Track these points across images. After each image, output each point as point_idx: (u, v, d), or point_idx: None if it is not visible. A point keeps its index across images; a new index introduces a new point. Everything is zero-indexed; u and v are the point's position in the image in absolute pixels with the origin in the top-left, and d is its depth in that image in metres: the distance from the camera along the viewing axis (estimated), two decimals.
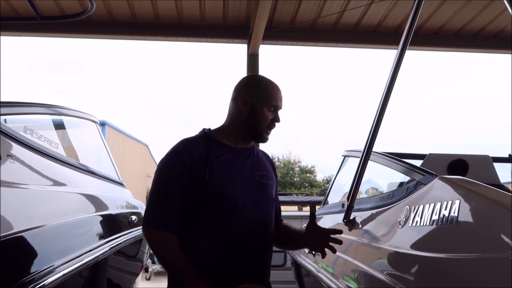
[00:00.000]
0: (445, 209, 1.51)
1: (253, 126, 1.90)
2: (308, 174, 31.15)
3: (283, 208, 2.27)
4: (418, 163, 2.95)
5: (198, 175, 1.80)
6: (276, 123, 1.93)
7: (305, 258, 3.35)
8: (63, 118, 2.87)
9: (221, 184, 1.82)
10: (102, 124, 14.17)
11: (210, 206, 1.81)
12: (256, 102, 1.89)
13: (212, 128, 1.99)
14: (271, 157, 2.15)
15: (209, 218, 1.82)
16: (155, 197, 1.84)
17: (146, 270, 12.40)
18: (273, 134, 1.98)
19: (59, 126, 2.78)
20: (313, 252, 3.04)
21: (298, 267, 3.80)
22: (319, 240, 1.96)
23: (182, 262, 1.76)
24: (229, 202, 1.82)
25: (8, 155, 1.76)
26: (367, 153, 2.14)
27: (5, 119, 1.93)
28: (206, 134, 1.93)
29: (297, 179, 30.72)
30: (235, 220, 1.82)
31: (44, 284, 1.57)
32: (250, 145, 1.98)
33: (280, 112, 1.95)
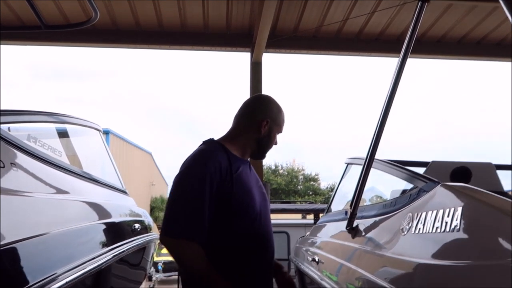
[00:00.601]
0: (448, 216, 1.50)
1: (263, 146, 2.04)
2: (312, 182, 31.12)
3: (287, 216, 2.34)
4: (421, 170, 2.95)
5: (225, 187, 1.82)
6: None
7: (309, 266, 3.33)
8: (67, 126, 2.89)
9: (244, 196, 1.88)
10: (106, 133, 14.22)
11: (235, 217, 1.86)
12: (271, 128, 2.03)
13: (216, 138, 2.02)
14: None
15: (234, 228, 1.86)
16: (181, 207, 1.80)
17: (150, 279, 12.39)
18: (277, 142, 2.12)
19: (62, 134, 2.80)
20: (317, 260, 3.03)
21: (302, 275, 3.78)
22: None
23: (213, 274, 1.76)
24: (251, 213, 1.89)
25: (11, 163, 1.77)
26: (369, 161, 2.15)
27: (8, 127, 1.94)
28: (222, 146, 1.95)
29: (301, 187, 30.69)
30: (256, 229, 1.91)
31: None
32: (248, 157, 2.07)
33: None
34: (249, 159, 2.07)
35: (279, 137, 2.10)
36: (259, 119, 2.00)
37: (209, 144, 1.96)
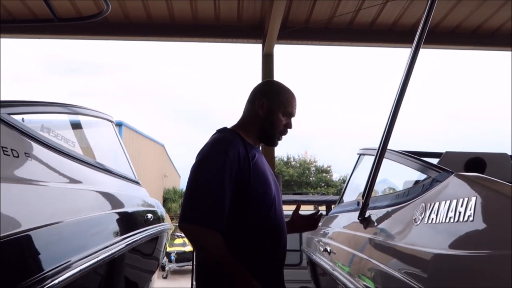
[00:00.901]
0: (461, 206, 1.49)
1: (267, 130, 1.98)
2: (324, 174, 31.07)
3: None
4: (434, 161, 2.92)
5: (243, 175, 1.83)
6: (288, 130, 2.02)
7: (321, 257, 3.34)
8: (80, 117, 2.91)
9: (261, 184, 1.88)
10: (119, 125, 14.31)
11: (252, 206, 1.86)
12: (272, 107, 1.97)
13: (228, 127, 2.03)
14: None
15: (251, 217, 1.87)
16: (202, 195, 1.79)
17: (163, 268, 12.50)
18: (289, 134, 2.08)
19: (75, 125, 2.82)
20: (328, 250, 3.03)
21: (314, 266, 3.79)
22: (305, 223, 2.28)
23: (235, 263, 1.75)
24: (268, 201, 1.89)
25: (25, 153, 1.79)
26: (382, 151, 2.13)
27: (22, 118, 1.96)
28: (238, 134, 1.95)
29: (313, 178, 30.65)
30: (271, 219, 1.91)
31: (60, 279, 1.59)
32: (259, 144, 2.06)
33: (293, 120, 2.03)
34: (260, 147, 2.07)
35: (293, 122, 2.03)
36: (256, 99, 1.99)
37: (225, 132, 1.95)
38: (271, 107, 1.96)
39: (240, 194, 1.82)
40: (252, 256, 1.85)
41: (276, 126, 1.98)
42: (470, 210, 1.43)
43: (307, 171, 30.96)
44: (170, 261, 12.62)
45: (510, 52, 6.98)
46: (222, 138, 1.90)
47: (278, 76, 6.24)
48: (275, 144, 2.04)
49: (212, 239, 1.76)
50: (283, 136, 2.06)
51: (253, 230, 1.87)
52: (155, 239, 3.34)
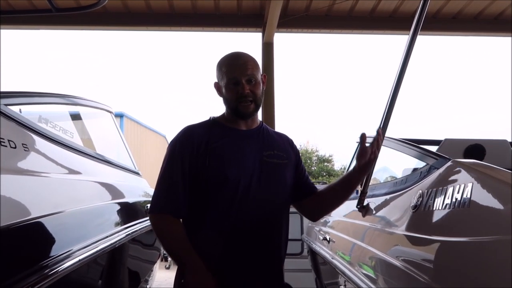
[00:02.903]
0: (458, 193, 1.49)
1: (229, 107, 1.88)
2: (325, 163, 31.05)
3: None
4: (434, 148, 2.92)
5: (199, 160, 1.80)
6: (247, 94, 1.82)
7: (321, 246, 3.35)
8: (78, 108, 2.91)
9: (221, 167, 1.79)
10: (120, 116, 14.29)
11: (212, 190, 1.80)
12: (221, 84, 1.88)
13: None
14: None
15: (213, 202, 1.80)
16: (159, 184, 1.85)
17: (166, 259, 12.56)
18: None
19: (74, 115, 2.82)
20: (328, 239, 3.04)
21: (314, 255, 3.80)
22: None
23: (187, 252, 1.73)
24: (231, 183, 1.78)
25: (23, 144, 1.80)
26: None
27: (20, 109, 1.96)
28: (211, 120, 1.94)
29: (315, 168, 30.64)
30: (239, 203, 1.79)
31: (61, 268, 1.60)
32: (256, 125, 1.96)
33: (247, 80, 1.82)
34: (264, 126, 1.98)
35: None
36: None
37: (197, 122, 1.96)
38: (220, 85, 1.89)
39: (199, 177, 1.80)
40: (210, 243, 1.78)
41: (230, 99, 1.85)
42: (467, 196, 1.43)
43: (308, 161, 30.93)
44: None
45: (511, 38, 6.94)
46: (185, 128, 1.91)
47: (278, 65, 6.22)
48: (246, 115, 1.87)
49: (166, 225, 1.78)
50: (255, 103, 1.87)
51: (213, 215, 1.79)
52: None
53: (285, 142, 2.03)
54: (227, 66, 1.85)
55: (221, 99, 1.92)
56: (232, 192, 1.79)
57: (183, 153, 1.82)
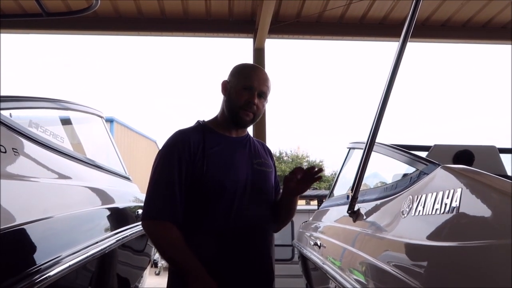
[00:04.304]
0: (447, 198, 1.50)
1: (230, 109, 1.90)
2: None
3: None
4: (424, 154, 2.94)
5: (196, 166, 1.80)
6: (254, 105, 1.87)
7: (312, 251, 3.35)
8: (69, 112, 2.89)
9: (219, 174, 1.81)
10: (110, 121, 14.24)
11: (210, 197, 1.81)
12: (232, 84, 1.91)
13: (207, 120, 2.00)
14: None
15: (210, 210, 1.81)
16: (153, 190, 1.81)
17: (156, 265, 12.49)
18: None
19: (64, 120, 2.80)
20: (319, 244, 3.05)
21: (305, 260, 3.80)
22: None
23: (188, 258, 1.72)
24: (228, 191, 1.81)
25: (13, 149, 1.78)
26: (370, 145, 2.14)
27: (10, 113, 1.94)
28: (201, 125, 1.94)
29: None
30: (236, 210, 1.81)
31: (50, 274, 1.58)
32: (244, 134, 2.00)
33: (260, 96, 1.89)
34: (249, 135, 2.02)
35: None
36: (221, 84, 1.96)
37: (189, 126, 1.95)
38: (231, 85, 1.91)
39: (196, 185, 1.79)
40: (205, 248, 1.77)
41: (235, 101, 1.88)
42: (456, 201, 1.45)
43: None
44: None
45: (502, 45, 7.03)
46: (177, 132, 1.90)
47: (269, 71, 6.24)
48: (243, 123, 1.91)
49: (164, 232, 1.75)
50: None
51: (209, 222, 1.80)
52: (146, 235, 3.33)
53: (265, 151, 2.09)
54: (249, 73, 1.92)
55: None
56: (229, 198, 1.81)
57: (180, 158, 1.80)
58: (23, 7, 5.67)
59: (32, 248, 1.60)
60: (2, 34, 6.22)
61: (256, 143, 2.05)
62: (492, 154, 3.09)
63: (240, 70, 1.95)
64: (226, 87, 1.93)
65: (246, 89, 1.87)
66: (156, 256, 11.63)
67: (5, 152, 1.71)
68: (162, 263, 12.42)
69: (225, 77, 1.99)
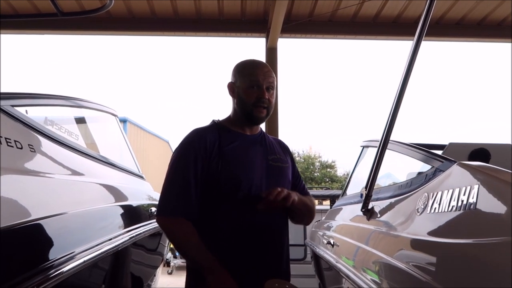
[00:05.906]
0: (464, 195, 1.48)
1: (243, 108, 1.92)
2: (328, 169, 31.00)
3: None
4: (438, 153, 2.91)
5: (211, 163, 1.82)
6: (265, 100, 1.88)
7: (325, 250, 3.34)
8: (84, 110, 2.92)
9: (235, 170, 1.83)
10: (124, 121, 14.33)
11: (225, 193, 1.82)
12: (239, 84, 1.92)
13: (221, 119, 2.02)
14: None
15: (225, 206, 1.83)
16: (169, 186, 1.84)
17: (168, 264, 12.54)
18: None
19: (79, 118, 2.82)
20: (332, 243, 3.03)
21: (317, 259, 3.79)
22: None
23: (204, 254, 1.73)
24: (243, 187, 1.83)
25: (29, 145, 1.80)
26: (384, 142, 2.12)
27: (26, 110, 1.96)
28: (216, 124, 1.96)
29: (318, 174, 30.60)
30: (252, 206, 1.81)
31: (64, 270, 1.59)
32: (258, 131, 2.01)
33: (267, 89, 1.89)
34: (263, 132, 2.04)
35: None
36: (228, 87, 1.97)
37: (202, 126, 1.97)
38: (238, 85, 1.93)
39: (211, 181, 1.82)
40: (220, 246, 1.79)
41: (246, 101, 1.89)
42: (473, 198, 1.43)
43: (311, 166, 30.89)
44: (175, 257, 12.65)
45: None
46: (193, 130, 1.93)
47: (282, 70, 6.24)
48: (259, 120, 1.93)
49: (180, 228, 1.78)
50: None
51: (225, 218, 1.82)
52: (159, 234, 3.34)
53: (282, 147, 2.10)
54: (252, 69, 1.92)
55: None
56: (245, 195, 1.83)
57: (196, 156, 1.82)
58: (38, 8, 5.73)
59: (46, 243, 1.61)
60: (18, 35, 6.29)
61: (272, 140, 2.07)
62: (508, 153, 3.04)
63: (242, 69, 1.96)
64: (233, 89, 1.95)
65: (253, 87, 1.89)
66: (169, 255, 11.69)
67: (21, 148, 1.73)
68: (174, 262, 12.47)
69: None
